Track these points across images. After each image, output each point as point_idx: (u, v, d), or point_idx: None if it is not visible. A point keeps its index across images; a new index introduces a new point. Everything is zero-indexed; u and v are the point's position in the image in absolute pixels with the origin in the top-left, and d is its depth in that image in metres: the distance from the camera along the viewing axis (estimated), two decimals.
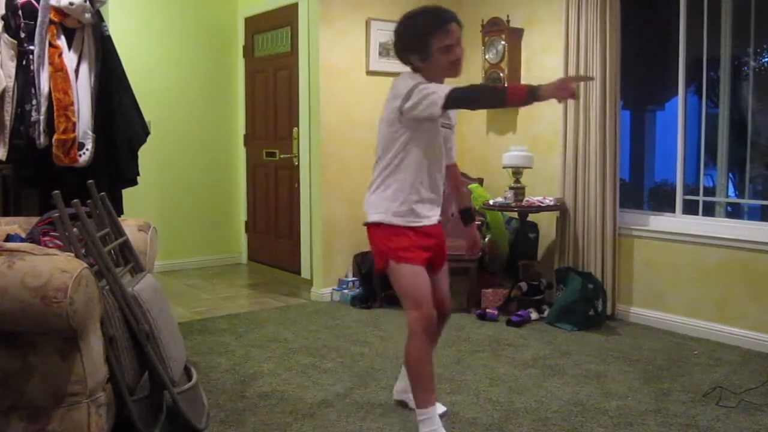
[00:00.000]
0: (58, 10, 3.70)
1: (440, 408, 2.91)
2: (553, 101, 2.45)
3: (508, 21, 5.07)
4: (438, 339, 2.92)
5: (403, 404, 3.08)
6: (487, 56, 5.21)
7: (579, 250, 4.63)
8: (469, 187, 5.01)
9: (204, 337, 4.16)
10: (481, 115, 5.46)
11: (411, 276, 2.63)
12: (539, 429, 2.89)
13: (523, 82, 5.10)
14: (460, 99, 2.50)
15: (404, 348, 2.67)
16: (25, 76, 3.71)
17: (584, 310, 4.36)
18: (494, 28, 5.17)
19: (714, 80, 4.42)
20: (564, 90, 2.33)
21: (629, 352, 3.92)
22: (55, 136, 3.69)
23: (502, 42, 5.09)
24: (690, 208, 4.40)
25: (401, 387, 3.08)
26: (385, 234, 2.68)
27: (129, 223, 3.30)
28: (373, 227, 2.73)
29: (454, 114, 2.86)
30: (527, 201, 4.66)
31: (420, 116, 2.56)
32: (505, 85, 2.52)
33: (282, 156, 6.01)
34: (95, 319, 2.33)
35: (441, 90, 2.48)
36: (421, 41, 2.54)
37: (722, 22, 4.34)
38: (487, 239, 4.82)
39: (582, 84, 4.51)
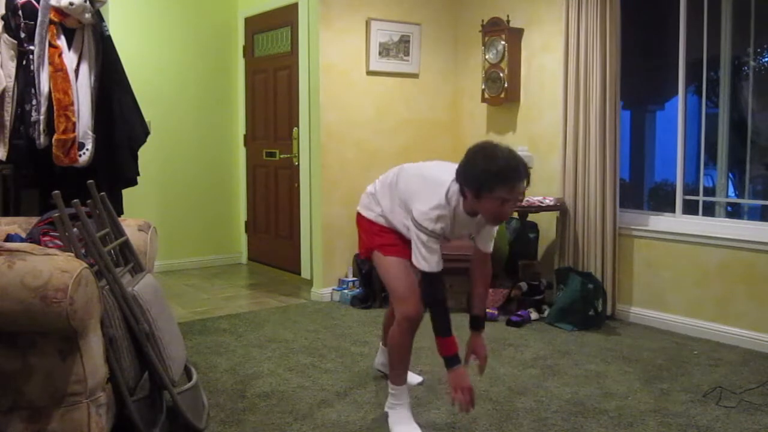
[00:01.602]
0: (58, 10, 3.70)
1: (417, 378, 3.39)
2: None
3: (508, 21, 5.07)
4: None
5: (382, 374, 3.41)
6: (487, 56, 5.21)
7: (579, 250, 4.63)
8: None
9: (204, 337, 4.16)
10: (481, 115, 5.47)
11: (395, 268, 2.83)
12: (539, 429, 2.89)
13: (523, 83, 5.12)
14: (424, 285, 2.68)
15: (390, 330, 2.87)
16: (25, 76, 3.71)
17: (584, 310, 4.36)
18: (494, 28, 5.17)
19: (714, 80, 4.42)
20: (460, 391, 2.63)
21: (629, 352, 3.92)
22: (55, 136, 3.70)
23: (502, 42, 5.09)
24: (690, 208, 4.40)
25: (380, 360, 3.45)
26: (374, 230, 2.93)
27: (129, 223, 3.30)
28: (364, 218, 3.00)
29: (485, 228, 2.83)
30: (527, 201, 4.66)
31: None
32: (450, 333, 2.65)
33: (282, 156, 6.01)
34: (95, 319, 2.33)
35: (429, 265, 2.62)
36: (482, 185, 2.47)
37: (722, 22, 4.34)
38: None
39: (582, 84, 4.52)
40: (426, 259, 2.62)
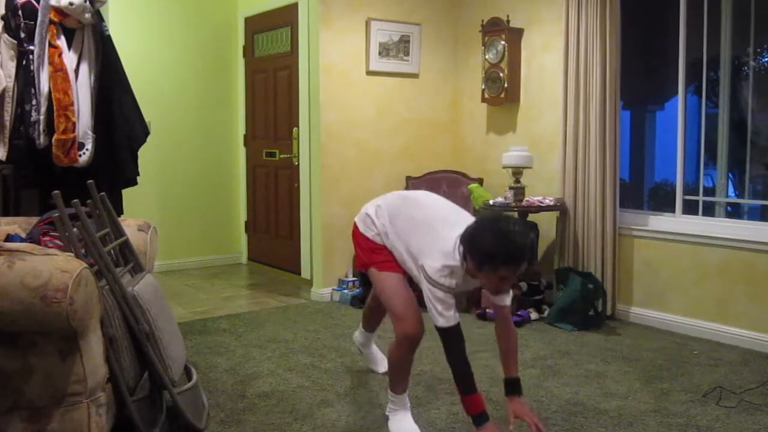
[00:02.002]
0: (58, 10, 3.70)
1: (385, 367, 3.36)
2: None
3: (508, 21, 5.07)
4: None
5: (360, 352, 3.56)
6: (487, 56, 5.21)
7: (579, 250, 4.63)
8: (469, 187, 5.01)
9: (204, 337, 4.16)
10: (481, 115, 5.47)
11: (393, 286, 2.78)
12: None
13: (523, 83, 5.12)
14: (445, 344, 2.57)
15: (390, 346, 2.86)
16: (25, 76, 3.71)
17: (584, 310, 4.36)
18: (494, 28, 5.17)
19: (714, 80, 4.42)
20: None
21: (629, 352, 3.92)
22: (55, 136, 3.69)
23: (502, 42, 5.09)
24: (690, 208, 4.40)
25: (360, 340, 3.50)
26: (370, 246, 2.87)
27: (129, 223, 3.30)
28: (361, 234, 2.92)
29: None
30: (527, 201, 4.66)
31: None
32: (475, 390, 2.56)
33: (282, 156, 6.01)
34: (95, 319, 2.32)
35: (447, 320, 2.53)
36: (485, 262, 2.42)
37: (722, 22, 4.34)
38: None
39: (582, 84, 4.52)
40: (443, 315, 2.54)
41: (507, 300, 2.72)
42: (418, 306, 2.76)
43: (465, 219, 2.65)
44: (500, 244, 2.38)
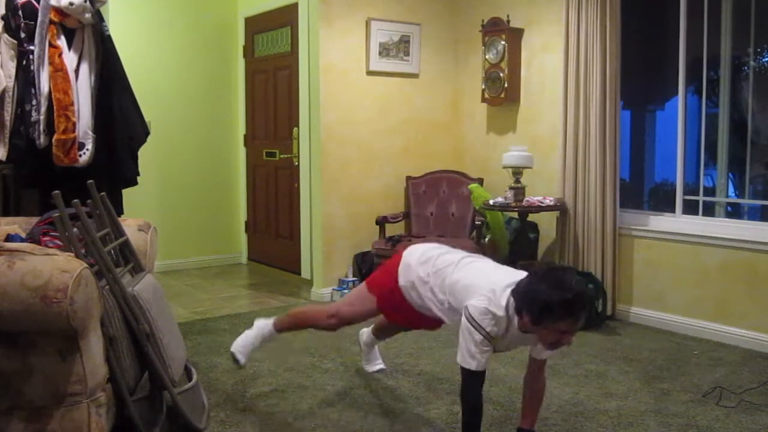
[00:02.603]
0: (58, 10, 3.69)
1: (378, 365, 3.55)
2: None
3: (508, 21, 5.07)
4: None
5: (360, 347, 3.57)
6: (487, 56, 5.21)
7: (579, 250, 4.63)
8: (469, 187, 5.01)
9: (204, 337, 4.16)
10: (481, 114, 5.47)
11: (361, 294, 2.98)
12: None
13: (523, 83, 5.12)
14: (467, 384, 2.49)
15: (315, 313, 3.16)
16: (26, 76, 3.71)
17: None
18: (494, 28, 5.17)
19: (714, 80, 4.43)
20: None
21: (629, 352, 3.92)
22: (55, 136, 3.69)
23: (502, 42, 5.10)
24: (690, 208, 4.40)
25: (365, 339, 3.51)
26: (392, 285, 2.86)
27: (129, 223, 3.30)
28: (398, 263, 2.87)
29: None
30: (527, 201, 4.66)
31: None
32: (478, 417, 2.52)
33: (282, 156, 6.01)
34: (95, 319, 2.32)
35: (478, 363, 2.43)
36: (544, 315, 2.29)
37: (722, 22, 4.34)
38: (487, 239, 4.82)
39: (582, 84, 4.52)
40: (476, 358, 2.42)
41: (545, 353, 2.60)
42: (351, 321, 3.00)
43: (519, 276, 2.50)
44: (558, 295, 2.25)
